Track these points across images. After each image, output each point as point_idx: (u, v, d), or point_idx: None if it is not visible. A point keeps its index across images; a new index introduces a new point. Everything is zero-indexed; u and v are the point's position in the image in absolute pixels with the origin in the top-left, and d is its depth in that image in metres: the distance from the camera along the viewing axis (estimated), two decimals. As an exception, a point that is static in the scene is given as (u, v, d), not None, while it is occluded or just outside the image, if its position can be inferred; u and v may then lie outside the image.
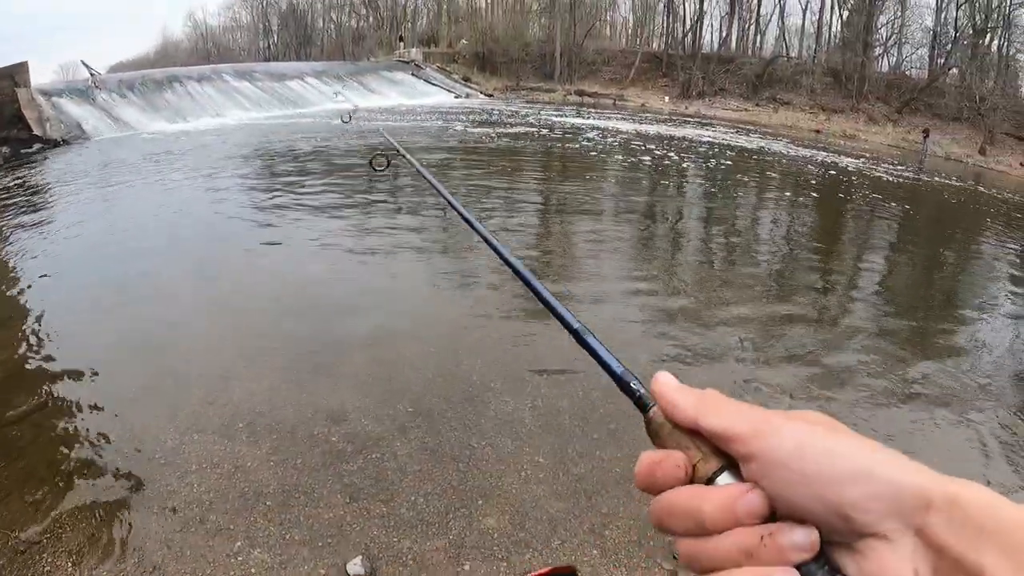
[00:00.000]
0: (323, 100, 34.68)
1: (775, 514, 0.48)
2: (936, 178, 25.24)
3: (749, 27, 54.84)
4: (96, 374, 6.25)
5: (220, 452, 4.97)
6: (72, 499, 4.51)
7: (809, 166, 23.87)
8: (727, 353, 7.30)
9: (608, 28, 65.18)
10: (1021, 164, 33.39)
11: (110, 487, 4.63)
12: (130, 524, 4.28)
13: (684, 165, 21.80)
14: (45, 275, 9.03)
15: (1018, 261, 13.86)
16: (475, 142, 23.04)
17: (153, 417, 5.46)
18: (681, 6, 54.57)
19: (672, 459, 0.53)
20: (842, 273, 11.35)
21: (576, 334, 0.72)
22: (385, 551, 4.11)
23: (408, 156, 1.76)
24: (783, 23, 53.29)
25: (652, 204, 15.67)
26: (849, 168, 24.30)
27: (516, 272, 0.88)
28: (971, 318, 9.61)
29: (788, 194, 18.63)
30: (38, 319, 7.62)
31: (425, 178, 1.41)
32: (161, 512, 4.36)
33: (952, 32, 43.26)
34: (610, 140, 26.07)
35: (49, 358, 6.62)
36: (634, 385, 0.61)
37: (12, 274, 9.32)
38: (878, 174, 23.72)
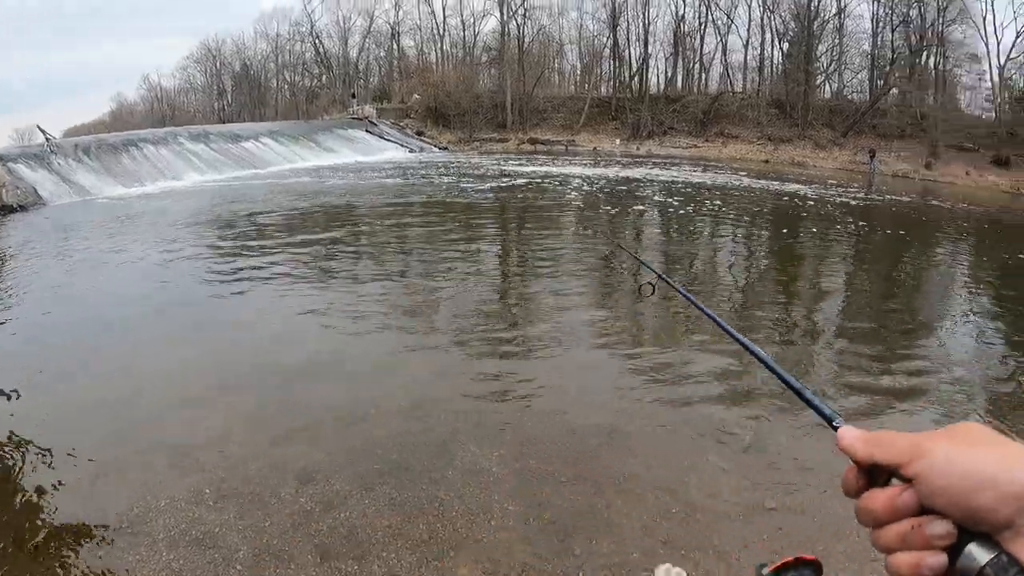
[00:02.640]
0: (280, 160, 34.68)
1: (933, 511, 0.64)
2: (887, 196, 25.82)
3: (693, 66, 56.17)
4: (59, 447, 6.13)
5: (188, 519, 4.90)
6: (37, 572, 4.45)
7: (763, 196, 24.27)
8: (695, 389, 7.40)
9: (556, 76, 66.20)
10: (967, 174, 34.56)
11: (76, 559, 4.55)
12: (98, 596, 4.23)
13: (642, 204, 22.09)
14: (2, 348, 8.93)
15: (973, 269, 14.31)
16: (437, 196, 23.11)
17: (119, 487, 5.37)
18: (627, 50, 55.77)
19: (853, 473, 0.73)
20: (805, 298, 11.56)
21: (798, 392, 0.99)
22: (359, 608, 4.09)
23: (668, 280, 1.92)
24: (726, 60, 54.61)
25: (618, 243, 15.82)
26: (801, 194, 24.75)
27: (781, 377, 1.08)
28: (935, 329, 9.94)
29: (745, 225, 18.91)
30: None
31: (692, 303, 1.65)
32: (130, 583, 4.30)
33: (889, 54, 44.96)
34: (567, 185, 26.30)
35: (11, 430, 6.52)
36: (836, 423, 0.83)
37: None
38: (830, 197, 24.21)
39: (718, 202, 22.42)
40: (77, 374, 7.90)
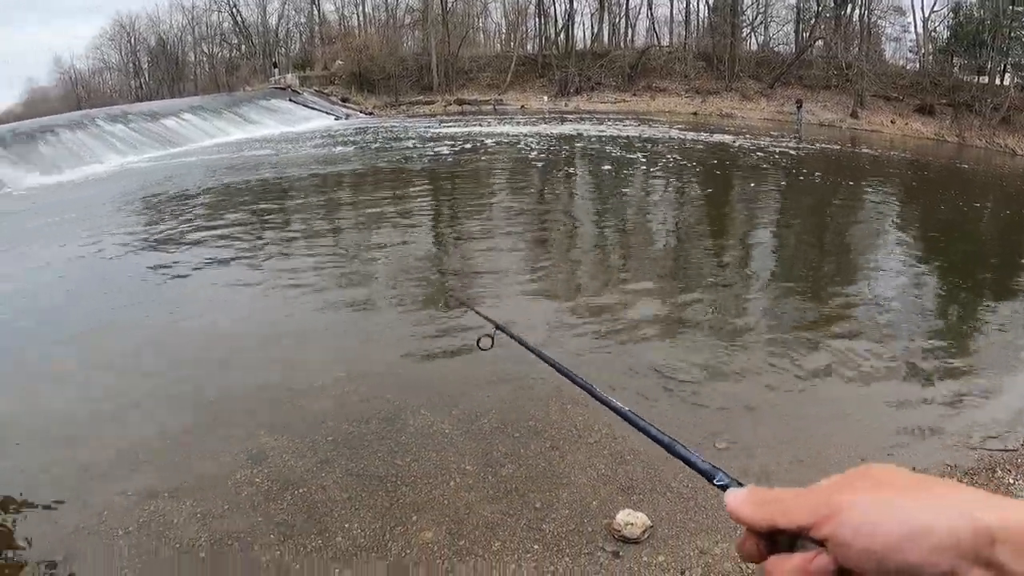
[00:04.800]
0: (202, 136, 33.80)
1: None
2: (815, 144, 26.25)
3: (619, 21, 55.99)
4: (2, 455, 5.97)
5: (145, 512, 4.78)
6: None
7: (695, 147, 24.50)
8: (637, 340, 7.49)
9: (481, 35, 65.54)
10: (892, 122, 35.49)
11: (33, 566, 4.41)
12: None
13: (576, 159, 22.16)
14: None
15: (900, 211, 14.71)
16: (365, 163, 22.82)
17: (68, 489, 5.20)
18: (552, 7, 55.28)
19: (751, 539, 0.63)
20: (744, 244, 11.77)
21: (668, 447, 0.86)
22: (327, 582, 4.08)
23: (507, 331, 1.83)
24: (652, 14, 54.64)
25: (553, 202, 15.86)
26: (732, 145, 25.04)
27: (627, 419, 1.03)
28: (866, 274, 10.26)
29: (680, 177, 19.06)
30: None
31: (532, 351, 1.53)
32: (92, 580, 4.21)
33: (815, 6, 45.38)
34: (498, 144, 26.27)
35: None
36: (717, 480, 0.75)
37: None
38: (764, 147, 24.53)
39: (675, 156, 22.46)
40: (11, 378, 7.64)
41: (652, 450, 5.19)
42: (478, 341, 1.96)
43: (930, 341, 7.75)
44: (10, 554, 4.58)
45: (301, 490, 4.94)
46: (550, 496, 4.71)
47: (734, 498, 0.65)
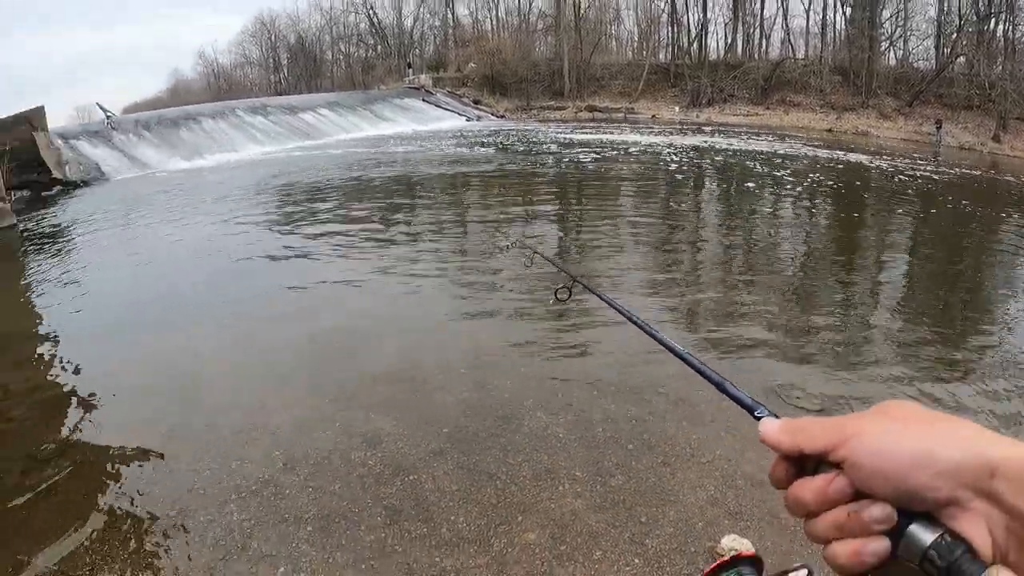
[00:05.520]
0: (337, 131, 34.88)
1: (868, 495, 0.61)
2: (955, 169, 24.88)
3: (753, 31, 54.51)
4: (130, 413, 6.30)
5: (258, 480, 4.98)
6: (110, 532, 4.54)
7: (829, 166, 23.70)
8: (755, 356, 7.31)
9: (614, 42, 65.25)
10: (1038, 148, 33.11)
11: (147, 519, 4.64)
12: (170, 555, 4.29)
13: (707, 173, 21.85)
14: (73, 320, 9.11)
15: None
16: (497, 164, 23.04)
17: (188, 450, 5.48)
18: (685, 16, 54.52)
19: (781, 465, 0.70)
20: (871, 275, 11.32)
21: (718, 386, 0.97)
22: (428, 571, 4.10)
23: (585, 283, 1.85)
24: (787, 25, 52.93)
25: (682, 214, 15.66)
26: (870, 166, 24.10)
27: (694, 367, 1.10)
28: (999, 318, 9.47)
29: (818, 198, 18.50)
30: (67, 363, 7.69)
31: (609, 303, 1.51)
32: (202, 541, 4.37)
33: (956, 20, 42.81)
34: (631, 152, 26.14)
35: (81, 400, 6.64)
36: (758, 413, 0.80)
37: (41, 320, 9.39)
38: (897, 168, 23.54)
39: (815, 175, 21.83)
40: (142, 346, 8.05)
41: (765, 475, 5.02)
42: (555, 292, 1.98)
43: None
44: (125, 505, 4.81)
45: (412, 477, 5.03)
46: (656, 512, 4.64)
47: (768, 426, 0.71)
